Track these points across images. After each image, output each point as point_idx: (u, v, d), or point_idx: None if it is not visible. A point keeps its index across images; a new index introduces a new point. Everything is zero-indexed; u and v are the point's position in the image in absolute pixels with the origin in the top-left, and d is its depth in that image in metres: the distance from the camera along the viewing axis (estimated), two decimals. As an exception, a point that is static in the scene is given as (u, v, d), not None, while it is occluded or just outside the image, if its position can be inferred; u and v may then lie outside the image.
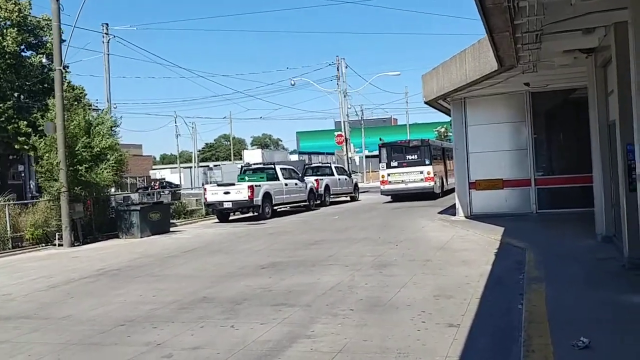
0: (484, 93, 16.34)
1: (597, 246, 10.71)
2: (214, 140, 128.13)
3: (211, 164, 77.43)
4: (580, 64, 11.81)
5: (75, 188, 16.57)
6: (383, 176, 27.78)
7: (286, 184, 23.14)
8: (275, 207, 22.89)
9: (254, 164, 26.46)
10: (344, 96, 39.62)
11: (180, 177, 66.55)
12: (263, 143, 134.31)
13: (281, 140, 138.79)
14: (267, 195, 21.58)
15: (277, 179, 22.90)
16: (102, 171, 17.26)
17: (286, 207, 24.11)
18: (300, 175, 24.99)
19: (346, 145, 39.82)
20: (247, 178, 22.62)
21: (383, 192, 28.18)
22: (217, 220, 21.90)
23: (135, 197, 23.13)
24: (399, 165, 27.26)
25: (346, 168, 36.29)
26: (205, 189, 21.59)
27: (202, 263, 11.86)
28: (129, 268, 11.83)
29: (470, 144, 17.28)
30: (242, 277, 9.96)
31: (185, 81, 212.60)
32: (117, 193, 22.46)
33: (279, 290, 8.67)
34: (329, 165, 30.77)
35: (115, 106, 64.91)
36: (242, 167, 25.36)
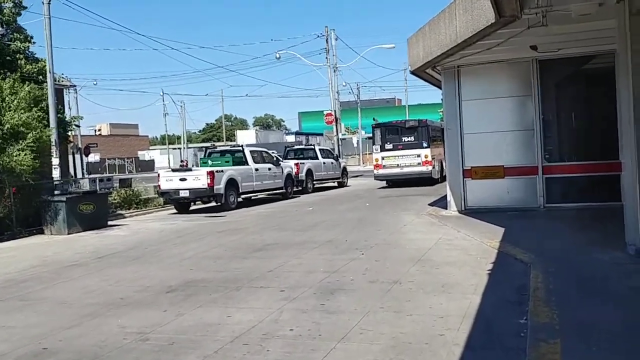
0: (481, 60, 13.31)
1: (630, 263, 7.75)
2: (215, 120, 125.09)
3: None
4: (605, 16, 8.83)
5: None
6: (377, 159, 25.17)
7: (257, 169, 20.17)
8: (246, 196, 20.02)
9: (221, 146, 23.47)
10: (334, 71, 36.43)
11: (169, 158, 63.72)
12: (265, 123, 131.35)
13: (283, 121, 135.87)
14: (231, 182, 18.63)
15: (245, 163, 19.93)
16: (19, 153, 14.30)
17: (258, 195, 21.18)
18: (275, 159, 22.01)
19: (336, 125, 36.71)
20: (210, 162, 19.66)
21: (377, 177, 25.60)
22: (175, 210, 19.01)
23: (85, 182, 20.15)
24: (394, 148, 24.73)
25: (335, 150, 33.29)
26: (158, 175, 18.64)
27: (102, 278, 8.98)
28: (5, 285, 8.96)
29: (464, 123, 14.25)
30: (129, 308, 7.07)
31: (159, 55, 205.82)
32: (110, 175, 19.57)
33: (158, 339, 5.77)
34: (312, 147, 27.74)
35: (95, 82, 61.91)
36: (206, 149, 22.40)
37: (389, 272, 8.23)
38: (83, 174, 48.27)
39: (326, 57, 36.25)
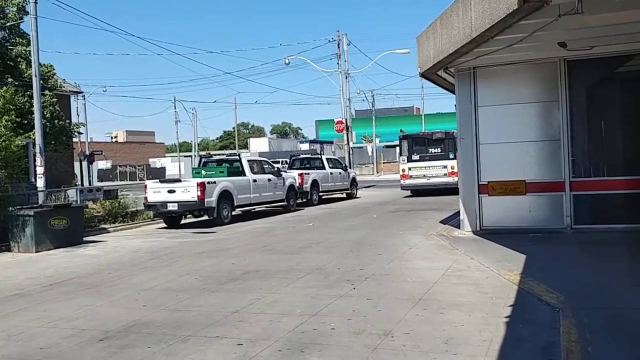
0: (500, 60, 11.67)
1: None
2: (232, 128, 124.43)
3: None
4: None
5: None
6: (403, 170, 25.31)
7: (255, 180, 18.59)
8: (243, 209, 18.44)
9: (217, 155, 21.95)
10: (346, 77, 34.79)
11: (179, 166, 62.49)
12: (282, 131, 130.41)
13: (301, 129, 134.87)
14: (225, 195, 17.06)
15: (242, 174, 18.37)
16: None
17: (256, 208, 19.57)
18: (276, 169, 20.44)
19: (347, 133, 35.01)
20: (204, 172, 18.13)
21: (403, 187, 25.65)
22: (164, 225, 17.47)
23: (72, 193, 18.79)
24: (421, 159, 24.99)
25: (345, 159, 31.63)
26: (145, 187, 17.13)
27: (36, 316, 7.41)
28: None
29: (481, 132, 12.57)
30: (40, 366, 5.51)
31: (165, 61, 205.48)
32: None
33: None
34: (319, 156, 26.16)
35: (104, 89, 60.94)
36: (200, 158, 20.89)
37: (381, 317, 6.56)
38: (90, 181, 47.25)
39: (337, 63, 34.66)
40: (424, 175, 24.79)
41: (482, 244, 11.21)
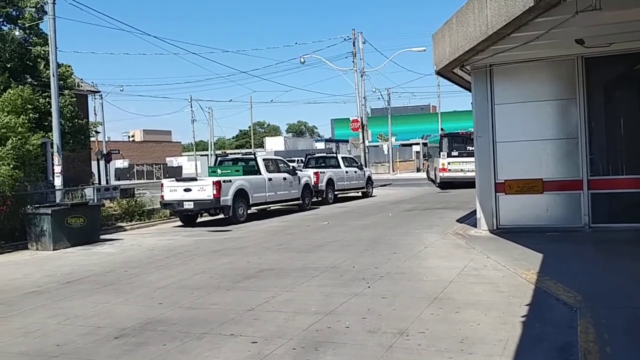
0: (517, 58, 11.57)
1: None
2: (249, 127, 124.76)
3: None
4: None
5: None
6: (443, 164, 28.20)
7: (270, 179, 18.61)
8: (261, 207, 18.47)
9: (233, 154, 22.01)
10: (361, 76, 34.71)
11: (196, 165, 62.77)
12: (298, 130, 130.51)
13: (316, 128, 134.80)
14: (241, 193, 17.10)
15: (257, 172, 18.39)
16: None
17: (271, 207, 19.59)
18: (291, 167, 20.44)
19: (363, 132, 34.91)
20: (219, 171, 18.19)
21: (442, 179, 28.47)
22: (180, 223, 17.56)
23: (89, 192, 18.94)
24: (459, 155, 27.64)
25: (361, 158, 31.56)
26: (162, 185, 17.22)
27: (53, 313, 7.48)
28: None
29: (498, 130, 12.45)
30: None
31: (180, 60, 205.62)
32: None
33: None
34: (334, 155, 26.19)
35: (121, 88, 61.40)
36: (216, 157, 20.97)
37: (396, 315, 6.53)
38: (107, 180, 47.62)
39: (353, 61, 34.60)
40: (461, 169, 27.16)
41: (499, 242, 11.13)
